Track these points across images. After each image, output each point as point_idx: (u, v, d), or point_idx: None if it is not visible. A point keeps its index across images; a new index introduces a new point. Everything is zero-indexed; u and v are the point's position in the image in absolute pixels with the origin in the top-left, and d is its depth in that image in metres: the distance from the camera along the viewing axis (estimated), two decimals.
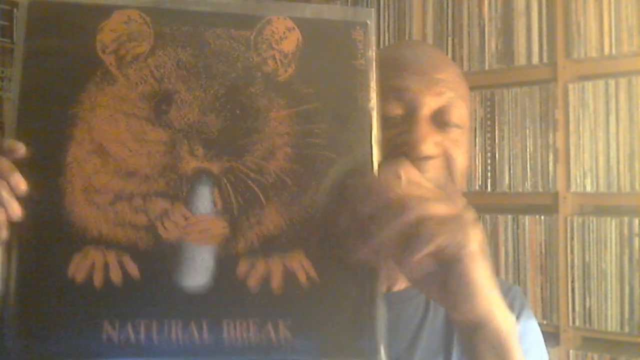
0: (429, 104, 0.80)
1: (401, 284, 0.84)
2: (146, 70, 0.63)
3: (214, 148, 0.62)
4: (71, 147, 0.61)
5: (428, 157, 0.78)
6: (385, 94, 0.79)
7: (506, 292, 0.86)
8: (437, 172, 0.80)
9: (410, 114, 0.79)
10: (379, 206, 0.60)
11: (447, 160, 0.81)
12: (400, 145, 0.78)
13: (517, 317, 0.84)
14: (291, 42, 0.65)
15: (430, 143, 0.78)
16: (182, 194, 0.61)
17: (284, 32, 0.66)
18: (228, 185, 0.62)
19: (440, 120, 0.80)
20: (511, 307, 0.84)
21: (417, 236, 0.58)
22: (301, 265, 0.63)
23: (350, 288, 0.64)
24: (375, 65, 0.68)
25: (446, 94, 0.81)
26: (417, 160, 0.78)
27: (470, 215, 0.62)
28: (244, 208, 0.62)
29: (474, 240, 0.60)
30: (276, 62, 0.65)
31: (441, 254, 0.60)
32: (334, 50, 0.67)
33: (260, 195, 0.63)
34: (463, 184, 0.86)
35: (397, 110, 0.80)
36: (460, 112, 0.81)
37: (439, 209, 0.60)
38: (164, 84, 0.63)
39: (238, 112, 0.63)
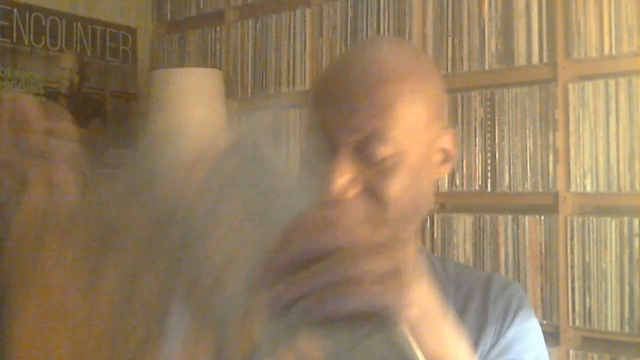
0: (345, 139, 0.74)
1: None
2: None
3: None
4: None
5: (343, 198, 0.72)
6: (314, 130, 0.77)
7: (503, 288, 0.86)
8: (360, 213, 0.72)
9: (331, 152, 0.75)
10: (295, 256, 0.47)
11: (376, 197, 0.74)
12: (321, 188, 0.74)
13: (515, 316, 0.83)
14: None
15: (341, 185, 0.72)
16: None
17: None
18: None
19: (364, 153, 0.74)
20: (508, 305, 0.84)
21: (339, 297, 0.45)
22: None
23: None
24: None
25: (367, 124, 0.73)
26: (333, 202, 0.71)
27: (413, 269, 0.49)
28: None
29: (413, 304, 0.48)
30: None
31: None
32: None
33: None
34: (415, 210, 0.78)
35: (323, 148, 0.75)
36: (394, 138, 0.73)
37: (370, 264, 0.46)
38: None
39: None
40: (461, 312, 0.83)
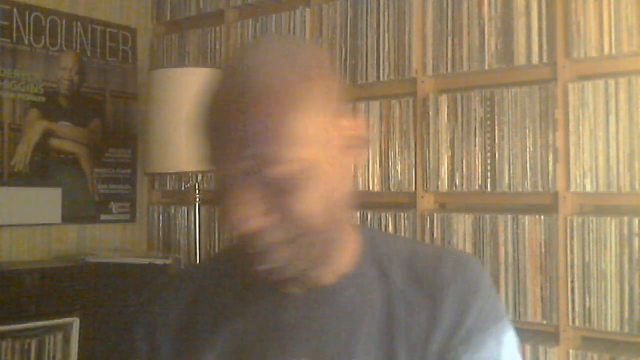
0: (238, 169, 0.69)
1: (330, 277, 0.79)
2: None
3: None
4: None
5: (256, 231, 0.70)
6: (208, 164, 0.73)
7: (454, 270, 0.79)
8: (271, 239, 0.71)
9: (231, 184, 0.71)
10: None
11: (291, 219, 0.71)
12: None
13: (472, 301, 0.77)
14: None
15: (248, 215, 0.69)
16: None
17: None
18: None
19: (263, 178, 0.69)
20: (463, 290, 0.78)
21: None
22: None
23: None
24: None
25: (251, 155, 0.69)
26: (251, 241, 0.71)
27: None
28: None
29: None
30: None
31: None
32: None
33: None
34: (336, 210, 0.74)
35: (222, 179, 0.72)
36: (295, 154, 0.69)
37: None
38: None
39: None
40: (412, 302, 0.78)
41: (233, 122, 0.69)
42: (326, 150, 0.73)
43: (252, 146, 0.69)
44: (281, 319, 0.78)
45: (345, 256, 0.80)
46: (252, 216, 0.70)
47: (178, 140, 2.27)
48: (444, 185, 2.10)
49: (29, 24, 2.63)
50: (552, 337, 1.88)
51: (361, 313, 0.77)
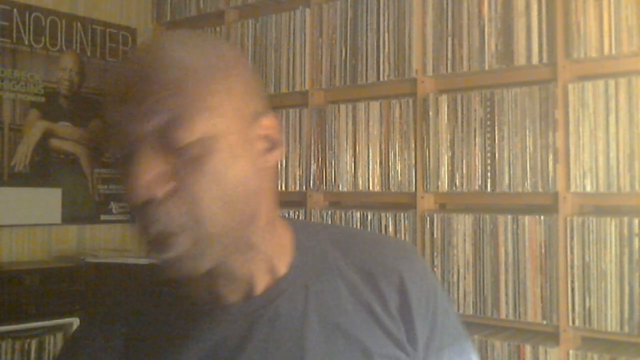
0: (142, 128, 0.65)
1: (265, 278, 0.75)
2: None
3: None
4: None
5: (152, 201, 0.64)
6: (108, 135, 0.68)
7: (395, 258, 0.79)
8: (167, 218, 0.65)
9: (126, 151, 0.66)
10: None
11: (179, 199, 0.65)
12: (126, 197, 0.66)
13: (408, 284, 0.77)
14: None
15: (143, 184, 0.64)
16: None
17: None
18: None
19: (166, 144, 0.65)
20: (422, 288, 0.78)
21: None
22: None
23: None
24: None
25: (162, 105, 0.64)
26: (141, 209, 0.65)
27: None
28: None
29: None
30: None
31: None
32: None
33: None
34: (239, 199, 0.68)
35: (117, 152, 0.67)
36: (202, 121, 0.65)
37: None
38: None
39: None
40: (361, 293, 0.77)
41: (145, 80, 0.66)
42: (239, 138, 0.69)
43: (163, 101, 0.64)
44: (226, 343, 0.73)
45: (278, 254, 0.76)
46: (150, 182, 0.64)
47: None
48: (444, 185, 2.10)
49: (29, 24, 2.63)
50: (552, 337, 1.88)
51: (304, 319, 0.74)
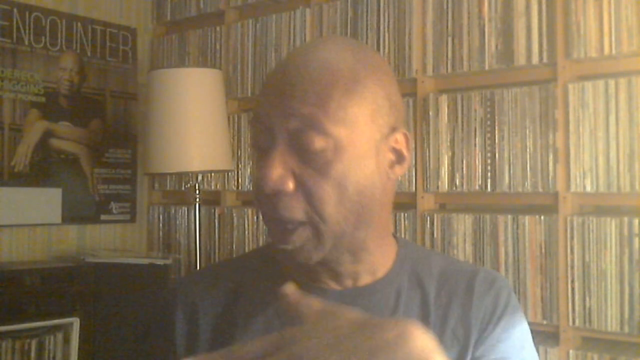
0: (281, 124, 0.72)
1: (366, 278, 0.82)
2: None
3: None
4: None
5: (276, 194, 0.72)
6: (255, 122, 0.76)
7: (490, 285, 0.84)
8: (292, 211, 0.72)
9: (270, 140, 0.73)
10: None
11: (306, 195, 0.72)
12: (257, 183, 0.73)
13: (502, 315, 0.82)
14: None
15: (276, 176, 0.71)
16: None
17: None
18: None
19: (302, 145, 0.72)
20: (495, 304, 0.82)
21: None
22: None
23: None
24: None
25: (302, 109, 0.71)
26: (265, 197, 0.72)
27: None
28: None
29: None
30: None
31: None
32: None
33: None
34: (361, 206, 0.74)
35: (263, 142, 0.74)
36: (339, 130, 0.71)
37: None
38: None
39: None
40: (444, 311, 0.82)
41: (293, 84, 0.72)
42: (369, 148, 0.74)
43: (304, 106, 0.71)
44: None
45: (381, 261, 0.83)
46: (282, 176, 0.71)
47: (178, 140, 2.27)
48: (444, 185, 2.10)
49: (29, 24, 2.63)
50: (552, 337, 1.88)
51: (394, 314, 0.80)
